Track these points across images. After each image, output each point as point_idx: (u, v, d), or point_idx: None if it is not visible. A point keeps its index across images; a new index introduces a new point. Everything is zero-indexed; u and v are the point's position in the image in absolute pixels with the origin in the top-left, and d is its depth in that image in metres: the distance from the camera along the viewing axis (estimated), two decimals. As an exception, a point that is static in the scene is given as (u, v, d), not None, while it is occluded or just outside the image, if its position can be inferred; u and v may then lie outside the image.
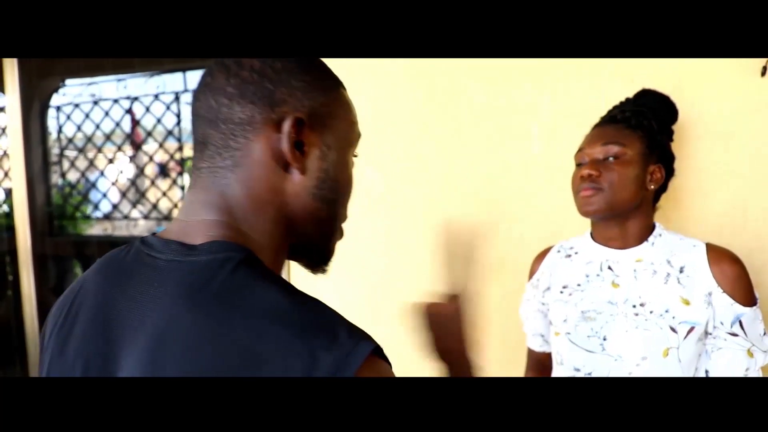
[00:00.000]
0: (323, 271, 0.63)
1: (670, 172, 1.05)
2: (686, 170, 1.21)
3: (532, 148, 1.36)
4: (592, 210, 0.97)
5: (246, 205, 0.53)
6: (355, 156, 0.62)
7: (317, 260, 0.62)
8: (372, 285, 1.56)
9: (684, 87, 1.19)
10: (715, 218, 1.21)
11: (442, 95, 1.44)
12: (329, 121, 0.56)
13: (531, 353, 1.22)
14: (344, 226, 0.63)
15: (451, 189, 1.46)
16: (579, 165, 1.03)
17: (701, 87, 1.19)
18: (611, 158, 0.97)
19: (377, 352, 0.46)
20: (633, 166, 0.97)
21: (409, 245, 1.52)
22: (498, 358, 1.45)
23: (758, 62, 1.13)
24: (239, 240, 0.52)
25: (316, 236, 0.59)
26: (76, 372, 0.52)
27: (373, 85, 1.47)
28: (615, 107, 1.10)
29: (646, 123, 1.01)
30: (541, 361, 1.20)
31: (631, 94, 1.11)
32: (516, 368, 1.28)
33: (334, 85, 0.58)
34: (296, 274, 1.47)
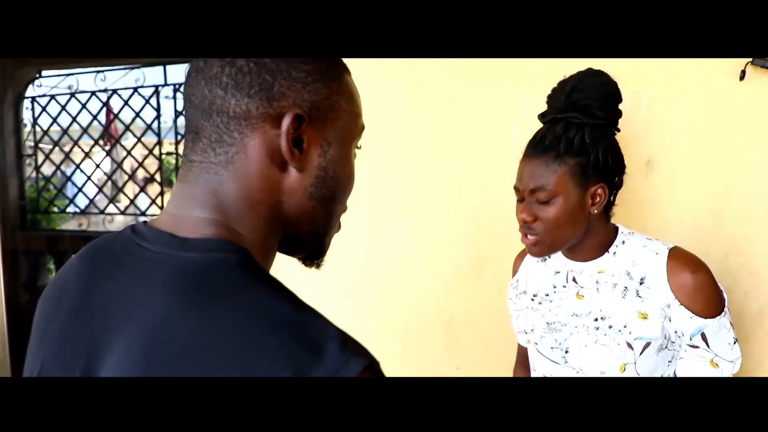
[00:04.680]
0: (317, 266, 0.60)
1: (616, 178, 0.96)
2: (664, 173, 1.21)
3: (514, 147, 1.36)
4: (536, 254, 0.95)
5: (239, 204, 0.51)
6: (358, 148, 0.59)
7: (310, 255, 0.60)
8: (355, 282, 1.54)
9: (663, 90, 1.20)
10: (692, 221, 1.22)
11: (426, 93, 1.43)
12: (331, 115, 0.53)
13: (520, 348, 1.21)
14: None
15: (434, 187, 1.45)
16: (517, 201, 0.97)
17: (680, 90, 1.19)
18: (543, 200, 0.91)
19: (370, 368, 0.43)
20: (568, 203, 0.91)
21: (393, 243, 1.51)
22: (478, 357, 1.44)
23: (737, 66, 1.14)
24: (233, 239, 0.49)
25: (308, 233, 0.56)
26: (59, 359, 0.50)
27: (356, 82, 1.46)
28: (544, 113, 0.99)
29: (578, 142, 0.91)
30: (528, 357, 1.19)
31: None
32: (496, 367, 1.27)
33: (339, 73, 0.55)
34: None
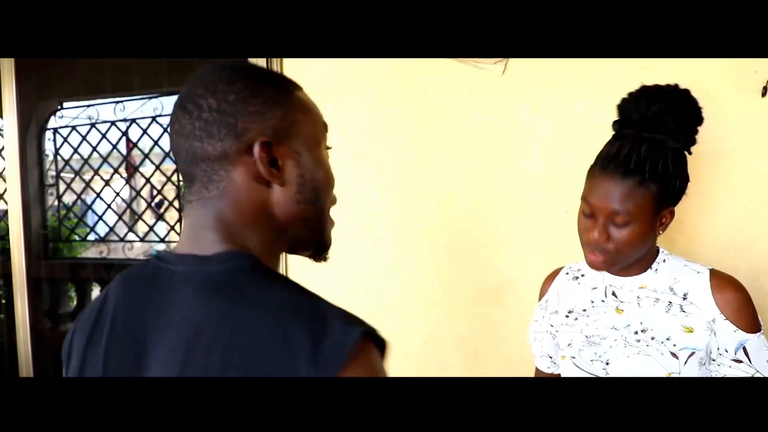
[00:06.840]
0: (324, 259, 0.70)
1: (679, 200, 0.96)
2: (690, 191, 1.19)
3: (531, 168, 1.35)
4: (600, 268, 0.96)
5: (239, 224, 0.61)
6: (329, 148, 0.68)
7: (316, 251, 0.69)
8: (372, 308, 1.53)
9: (684, 107, 1.18)
10: (719, 240, 1.19)
11: (440, 115, 1.43)
12: (293, 130, 0.62)
13: (539, 374, 1.19)
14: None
15: (451, 210, 1.44)
16: (585, 214, 0.94)
17: (702, 107, 1.18)
18: (620, 224, 0.90)
19: (369, 335, 0.53)
20: (643, 227, 0.91)
21: (411, 268, 1.49)
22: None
23: (759, 82, 1.13)
24: (242, 250, 0.60)
25: (307, 234, 0.66)
26: (108, 367, 0.60)
27: (371, 105, 1.46)
28: (622, 123, 0.96)
29: (662, 168, 0.89)
30: None
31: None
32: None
33: (287, 92, 0.63)
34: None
